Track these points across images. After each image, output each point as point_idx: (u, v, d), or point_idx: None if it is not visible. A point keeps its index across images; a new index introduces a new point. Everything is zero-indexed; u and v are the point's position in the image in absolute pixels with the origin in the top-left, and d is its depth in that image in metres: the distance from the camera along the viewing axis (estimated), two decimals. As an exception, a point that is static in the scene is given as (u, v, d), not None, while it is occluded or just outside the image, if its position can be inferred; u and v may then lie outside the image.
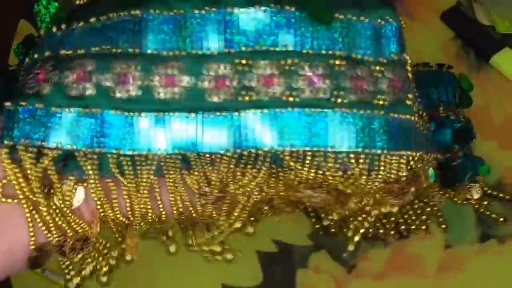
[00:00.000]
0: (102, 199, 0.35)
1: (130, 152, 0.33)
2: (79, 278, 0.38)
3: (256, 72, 0.32)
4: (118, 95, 0.32)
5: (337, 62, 0.33)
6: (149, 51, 0.32)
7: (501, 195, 0.50)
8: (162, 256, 0.46)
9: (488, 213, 0.49)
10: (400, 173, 0.35)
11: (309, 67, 0.33)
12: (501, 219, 0.49)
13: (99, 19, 0.33)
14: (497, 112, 0.55)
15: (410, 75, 0.36)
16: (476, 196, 0.49)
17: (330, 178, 0.35)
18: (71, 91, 0.32)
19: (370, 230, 0.47)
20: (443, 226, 0.48)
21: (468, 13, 0.61)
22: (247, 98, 0.33)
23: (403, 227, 0.48)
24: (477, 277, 0.47)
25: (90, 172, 0.33)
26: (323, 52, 0.33)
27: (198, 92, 0.33)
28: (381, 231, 0.47)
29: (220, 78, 0.32)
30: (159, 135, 0.33)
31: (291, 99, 0.33)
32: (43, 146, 0.33)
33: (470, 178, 0.49)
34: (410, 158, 0.36)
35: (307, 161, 0.34)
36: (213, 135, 0.33)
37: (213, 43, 0.33)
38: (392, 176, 0.35)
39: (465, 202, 0.49)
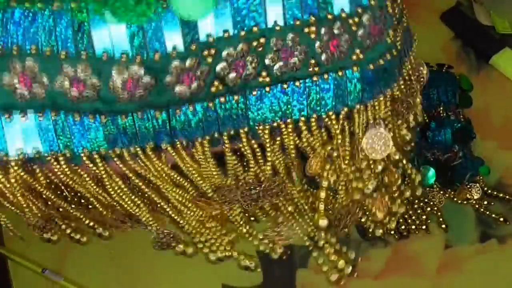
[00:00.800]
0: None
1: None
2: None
3: (226, 53, 0.30)
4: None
5: (310, 29, 0.31)
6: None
7: (501, 195, 0.50)
8: (162, 256, 0.46)
9: (488, 213, 0.49)
10: (386, 109, 0.35)
11: (278, 40, 0.31)
12: (501, 219, 0.49)
13: None
14: (497, 113, 0.55)
15: (390, 10, 0.34)
16: (476, 196, 0.49)
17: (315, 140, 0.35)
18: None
19: (370, 230, 0.47)
20: (443, 226, 0.48)
21: (468, 13, 0.61)
22: (216, 87, 0.31)
23: (403, 227, 0.48)
24: (477, 277, 0.47)
25: (63, 168, 0.32)
26: (296, 22, 0.31)
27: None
28: (380, 231, 0.47)
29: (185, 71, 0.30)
30: None
31: (264, 79, 0.31)
32: (7, 161, 0.31)
33: (470, 178, 0.49)
34: (395, 89, 0.36)
35: (289, 130, 0.33)
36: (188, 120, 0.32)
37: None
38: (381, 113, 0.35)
39: (465, 202, 0.49)
